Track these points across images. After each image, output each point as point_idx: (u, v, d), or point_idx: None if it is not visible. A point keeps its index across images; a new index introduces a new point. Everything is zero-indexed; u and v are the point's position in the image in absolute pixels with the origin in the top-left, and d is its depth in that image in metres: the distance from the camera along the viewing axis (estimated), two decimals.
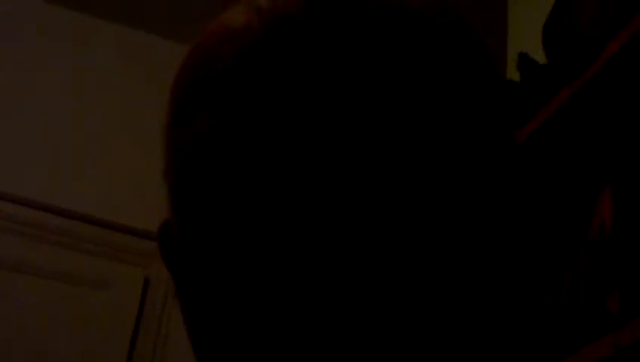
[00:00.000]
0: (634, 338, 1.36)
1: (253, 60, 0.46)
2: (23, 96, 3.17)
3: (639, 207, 1.54)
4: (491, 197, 0.47)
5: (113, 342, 2.97)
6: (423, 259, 0.44)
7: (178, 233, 0.51)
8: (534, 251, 1.62)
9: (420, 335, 0.44)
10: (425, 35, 0.47)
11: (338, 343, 0.43)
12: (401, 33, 0.47)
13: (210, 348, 0.48)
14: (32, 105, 3.18)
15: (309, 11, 0.47)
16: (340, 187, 0.44)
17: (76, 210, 3.08)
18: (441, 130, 0.45)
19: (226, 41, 0.48)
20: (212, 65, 0.48)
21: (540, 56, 1.81)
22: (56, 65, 3.27)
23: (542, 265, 1.72)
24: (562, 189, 1.76)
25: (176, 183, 0.49)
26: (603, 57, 1.49)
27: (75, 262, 3.04)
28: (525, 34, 2.54)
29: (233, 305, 0.46)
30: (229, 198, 0.45)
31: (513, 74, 1.97)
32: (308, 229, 0.44)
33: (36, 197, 3.05)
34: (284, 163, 0.44)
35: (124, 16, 3.32)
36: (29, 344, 2.87)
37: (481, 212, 0.46)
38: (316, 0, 0.48)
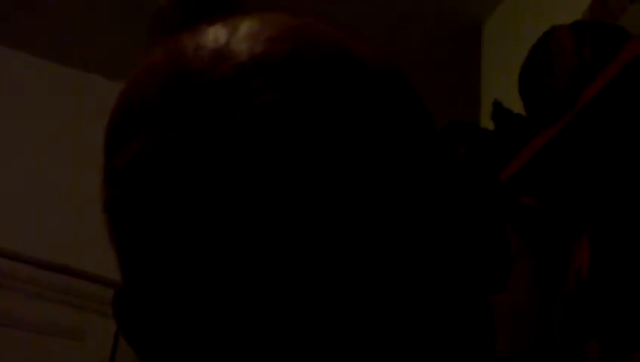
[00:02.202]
0: None
1: (165, 97, 0.49)
2: None
3: (616, 254, 1.54)
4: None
5: None
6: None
7: (125, 280, 0.52)
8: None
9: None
10: (356, 77, 0.49)
11: None
12: (330, 75, 0.49)
13: None
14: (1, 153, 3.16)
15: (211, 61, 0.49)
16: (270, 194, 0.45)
17: (48, 259, 3.05)
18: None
19: (140, 86, 0.51)
20: (137, 99, 0.51)
21: (513, 104, 1.83)
22: (23, 111, 3.26)
23: (519, 313, 1.72)
24: (539, 237, 1.76)
25: (113, 207, 0.51)
26: (579, 104, 1.50)
27: (47, 312, 3.01)
28: (498, 82, 2.56)
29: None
30: (167, 216, 0.47)
31: (487, 122, 1.99)
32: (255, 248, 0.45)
33: (8, 246, 3.01)
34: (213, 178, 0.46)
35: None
36: None
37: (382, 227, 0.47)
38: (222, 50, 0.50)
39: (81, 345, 3.00)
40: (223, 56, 0.49)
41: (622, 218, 1.56)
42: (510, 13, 2.72)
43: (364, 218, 0.46)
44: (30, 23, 3.16)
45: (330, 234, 0.45)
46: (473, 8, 2.82)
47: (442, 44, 2.93)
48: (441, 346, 0.47)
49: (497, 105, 1.85)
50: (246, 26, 0.51)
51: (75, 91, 3.37)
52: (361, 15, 2.68)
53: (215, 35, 0.50)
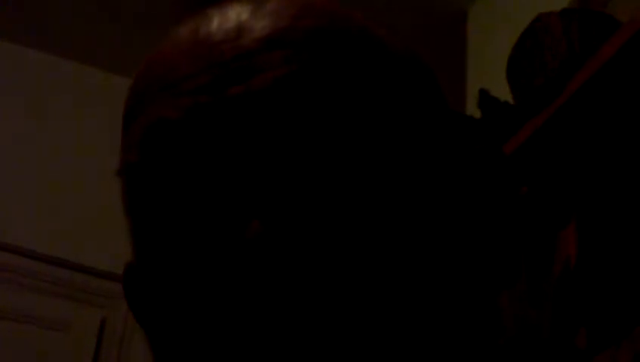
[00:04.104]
0: None
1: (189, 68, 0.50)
2: None
3: (604, 243, 1.54)
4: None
5: None
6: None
7: (135, 253, 0.52)
8: (498, 286, 1.61)
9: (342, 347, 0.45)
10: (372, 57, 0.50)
11: None
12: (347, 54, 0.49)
13: None
14: None
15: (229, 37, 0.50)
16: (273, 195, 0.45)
17: (32, 249, 3.04)
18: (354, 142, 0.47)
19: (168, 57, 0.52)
20: (159, 68, 0.51)
21: (499, 92, 1.83)
22: (22, 104, 3.25)
23: (507, 300, 1.72)
24: (526, 225, 1.76)
25: (130, 173, 0.50)
26: (568, 92, 1.50)
27: (32, 302, 3.00)
28: (484, 70, 2.56)
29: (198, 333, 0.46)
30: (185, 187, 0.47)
31: (473, 110, 1.98)
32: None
33: None
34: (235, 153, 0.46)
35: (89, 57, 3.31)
36: None
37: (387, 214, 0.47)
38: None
39: (67, 336, 3.00)
40: (246, 29, 0.50)
41: (609, 206, 1.56)
42: None
43: (369, 205, 0.46)
44: (23, 13, 3.14)
45: (334, 215, 0.45)
46: None
47: (427, 31, 2.92)
48: (445, 344, 0.47)
49: (483, 94, 1.85)
50: (271, 3, 0.51)
51: (74, 85, 3.36)
52: (345, 2, 2.67)
53: (240, 10, 0.51)
